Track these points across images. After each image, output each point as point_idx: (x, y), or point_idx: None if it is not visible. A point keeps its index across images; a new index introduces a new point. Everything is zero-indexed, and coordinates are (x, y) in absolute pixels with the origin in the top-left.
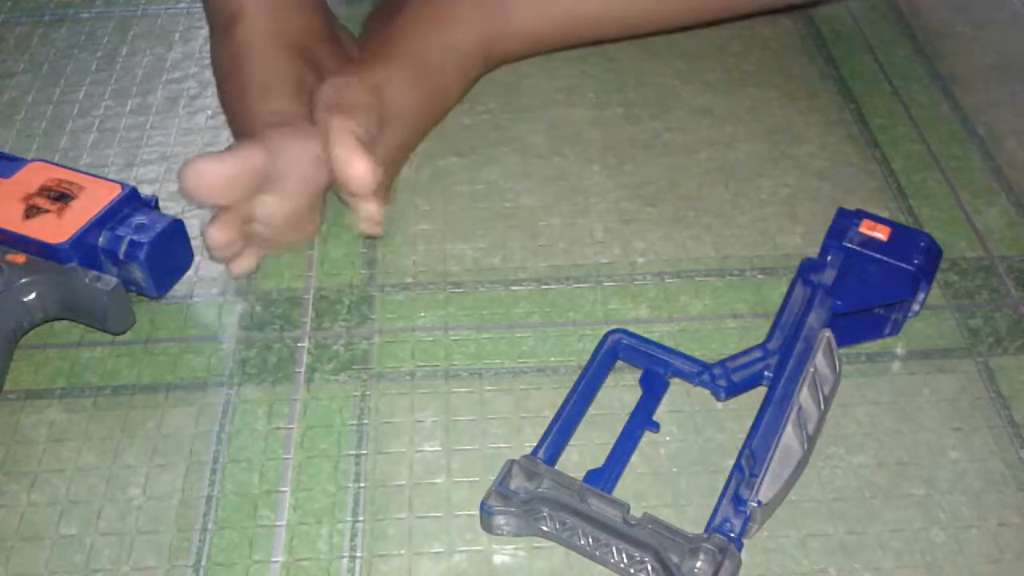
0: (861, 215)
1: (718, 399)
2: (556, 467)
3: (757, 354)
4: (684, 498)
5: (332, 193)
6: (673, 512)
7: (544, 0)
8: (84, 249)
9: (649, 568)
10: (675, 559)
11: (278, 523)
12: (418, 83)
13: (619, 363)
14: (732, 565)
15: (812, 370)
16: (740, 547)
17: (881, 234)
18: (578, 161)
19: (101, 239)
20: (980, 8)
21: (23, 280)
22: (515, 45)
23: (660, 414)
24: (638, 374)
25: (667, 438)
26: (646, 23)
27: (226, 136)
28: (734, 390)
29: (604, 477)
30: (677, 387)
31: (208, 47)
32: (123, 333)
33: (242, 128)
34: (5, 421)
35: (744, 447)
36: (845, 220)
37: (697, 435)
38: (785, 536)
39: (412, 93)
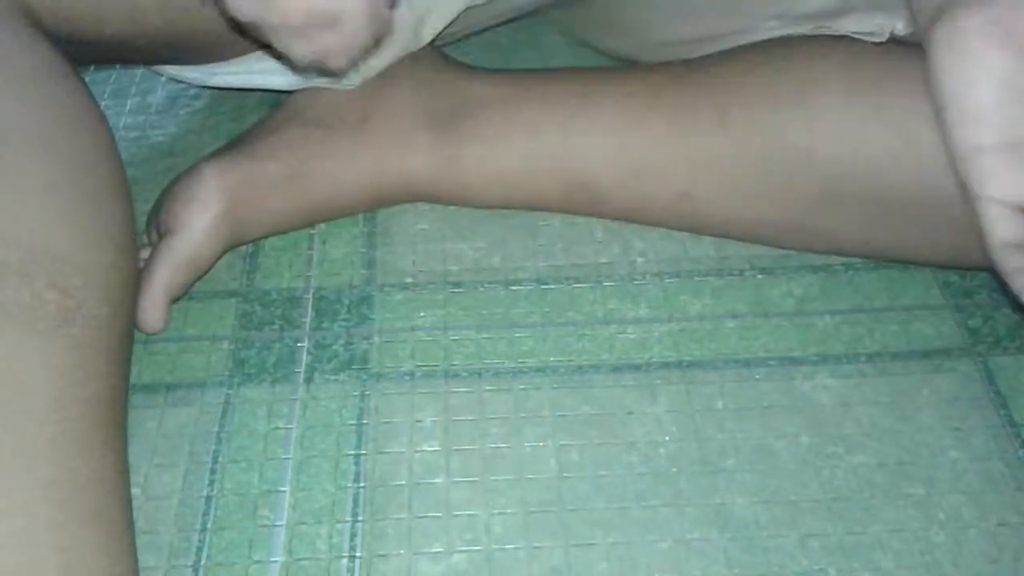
0: None
1: None
2: None
3: None
4: (684, 498)
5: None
6: (673, 512)
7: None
8: None
9: None
10: None
11: (278, 523)
12: (300, 197)
13: (619, 361)
14: None
15: None
16: None
17: None
18: None
19: None
20: None
21: None
22: (450, 197)
23: (659, 414)
24: (639, 375)
25: (667, 438)
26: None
27: (225, 136)
28: None
29: None
30: (677, 387)
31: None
32: None
33: None
34: None
35: None
36: None
37: (697, 435)
38: (785, 536)
39: (287, 200)
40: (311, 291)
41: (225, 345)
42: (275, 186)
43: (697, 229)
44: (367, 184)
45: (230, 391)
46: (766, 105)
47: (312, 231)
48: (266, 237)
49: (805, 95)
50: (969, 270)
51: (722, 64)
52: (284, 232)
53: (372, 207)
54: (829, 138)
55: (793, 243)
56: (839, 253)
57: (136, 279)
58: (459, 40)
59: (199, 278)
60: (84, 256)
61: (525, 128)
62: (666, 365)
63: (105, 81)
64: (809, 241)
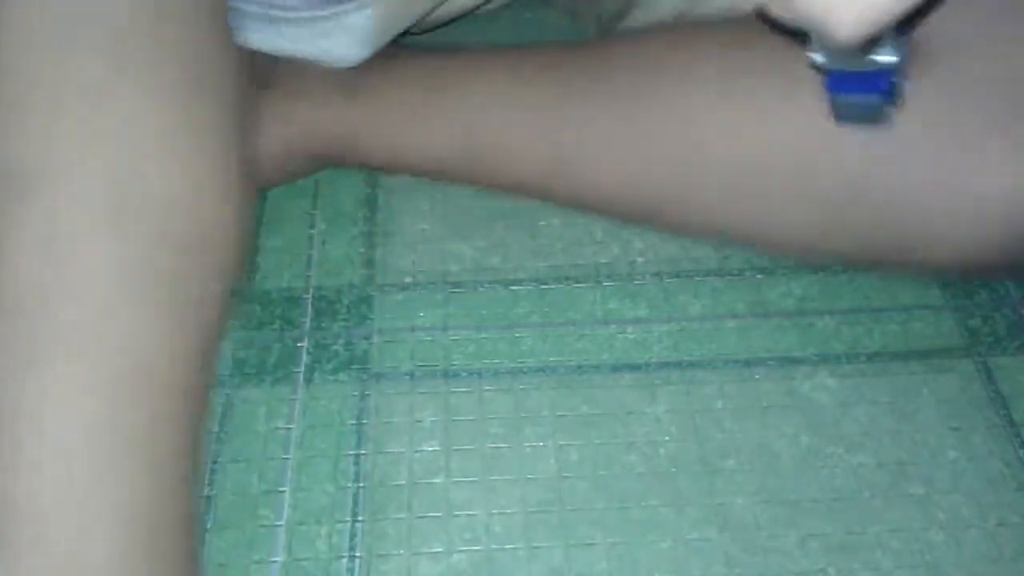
0: None
1: None
2: None
3: None
4: (684, 498)
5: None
6: (673, 512)
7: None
8: None
9: None
10: None
11: (278, 523)
12: None
13: (619, 361)
14: None
15: None
16: None
17: None
18: None
19: None
20: None
21: None
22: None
23: (659, 414)
24: (639, 375)
25: (666, 438)
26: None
27: None
28: None
29: None
30: (676, 387)
31: None
32: None
33: None
34: None
35: None
36: None
37: (697, 435)
38: (784, 536)
39: None
40: (311, 291)
41: (224, 345)
42: None
43: (570, 200)
44: (280, 135)
45: (230, 391)
46: (651, 75)
47: (312, 231)
48: None
49: (688, 70)
50: (827, 261)
51: (628, 40)
52: None
53: (303, 167)
54: (696, 110)
55: (663, 221)
56: (708, 235)
57: None
58: (449, 23)
59: None
60: None
61: (422, 84)
62: (666, 365)
63: None
64: (680, 221)
